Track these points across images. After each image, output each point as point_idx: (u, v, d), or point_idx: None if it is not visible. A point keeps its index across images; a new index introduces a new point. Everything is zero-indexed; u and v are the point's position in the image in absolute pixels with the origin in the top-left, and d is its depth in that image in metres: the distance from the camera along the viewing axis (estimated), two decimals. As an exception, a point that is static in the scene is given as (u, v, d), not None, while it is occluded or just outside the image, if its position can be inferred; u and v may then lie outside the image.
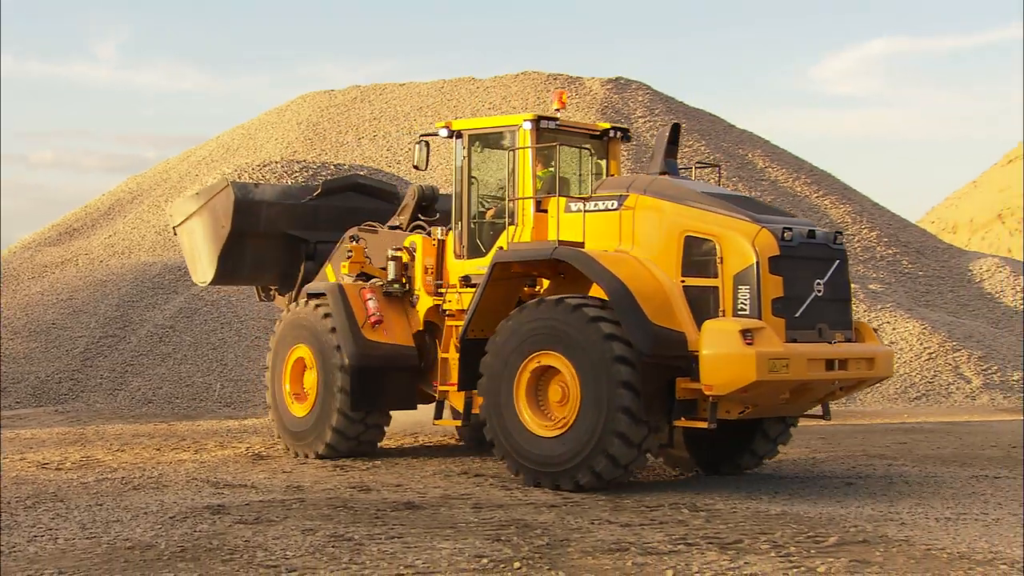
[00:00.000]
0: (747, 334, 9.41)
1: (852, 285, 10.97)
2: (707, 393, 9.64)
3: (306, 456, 12.21)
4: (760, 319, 9.59)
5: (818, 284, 10.06)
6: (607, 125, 11.99)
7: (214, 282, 14.30)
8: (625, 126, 12.30)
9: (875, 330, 10.62)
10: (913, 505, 9.65)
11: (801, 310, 9.90)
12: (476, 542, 7.95)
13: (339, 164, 15.37)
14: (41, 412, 17.76)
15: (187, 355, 19.29)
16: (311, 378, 12.37)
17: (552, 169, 11.33)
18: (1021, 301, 23.75)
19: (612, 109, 27.58)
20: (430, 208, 13.03)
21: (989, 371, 19.62)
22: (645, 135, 26.69)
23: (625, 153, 25.42)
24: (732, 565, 7.34)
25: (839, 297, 10.29)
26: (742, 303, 9.69)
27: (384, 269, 12.22)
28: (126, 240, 24.48)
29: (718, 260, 9.84)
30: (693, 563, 7.37)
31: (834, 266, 10.24)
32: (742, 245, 9.73)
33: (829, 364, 9.98)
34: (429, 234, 12.02)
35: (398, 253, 12.08)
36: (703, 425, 9.90)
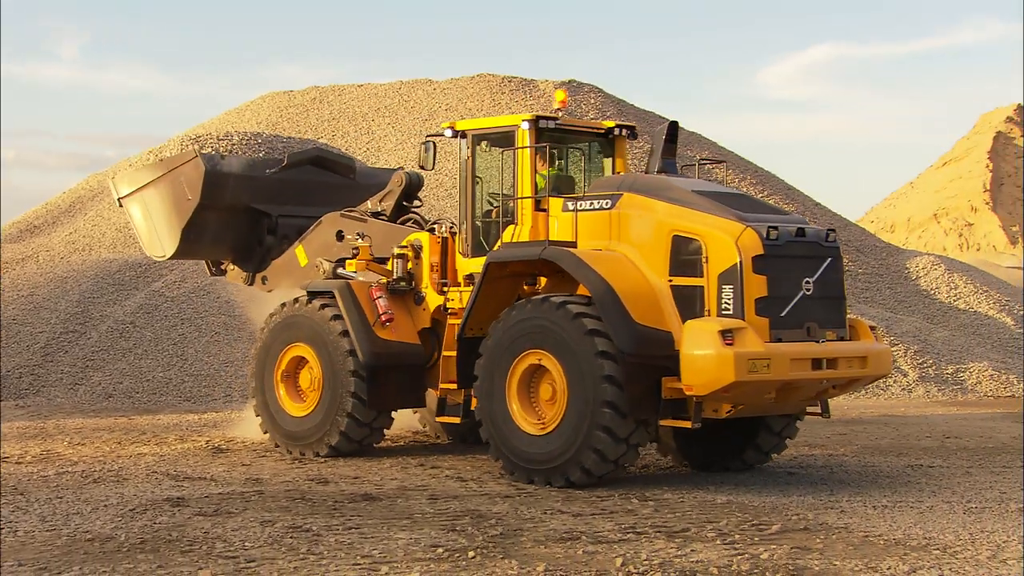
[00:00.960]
0: (727, 334, 9.36)
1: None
2: (688, 393, 9.63)
3: (302, 455, 12.00)
4: (743, 319, 9.53)
5: (807, 283, 9.91)
6: (612, 124, 11.87)
7: (174, 256, 13.97)
8: (632, 124, 12.20)
9: (872, 328, 10.48)
10: (852, 494, 9.97)
11: (787, 309, 9.79)
12: (432, 532, 8.15)
13: (292, 137, 14.85)
14: (2, 407, 17.71)
15: (147, 350, 19.30)
16: (308, 377, 12.18)
17: (555, 169, 11.34)
18: (955, 297, 24.27)
19: (565, 111, 27.81)
20: (413, 195, 13.01)
21: (924, 365, 20.11)
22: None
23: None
24: (679, 553, 7.60)
25: (831, 295, 10.14)
26: (726, 303, 9.62)
27: (382, 263, 12.11)
28: (87, 237, 24.36)
29: (704, 259, 9.77)
30: (642, 551, 7.62)
31: (825, 264, 10.09)
32: (726, 244, 9.66)
33: (816, 363, 9.84)
34: (433, 231, 11.91)
35: (404, 251, 11.97)
36: (687, 425, 9.86)
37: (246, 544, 7.78)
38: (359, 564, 7.26)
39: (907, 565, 7.32)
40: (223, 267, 14.39)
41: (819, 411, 10.69)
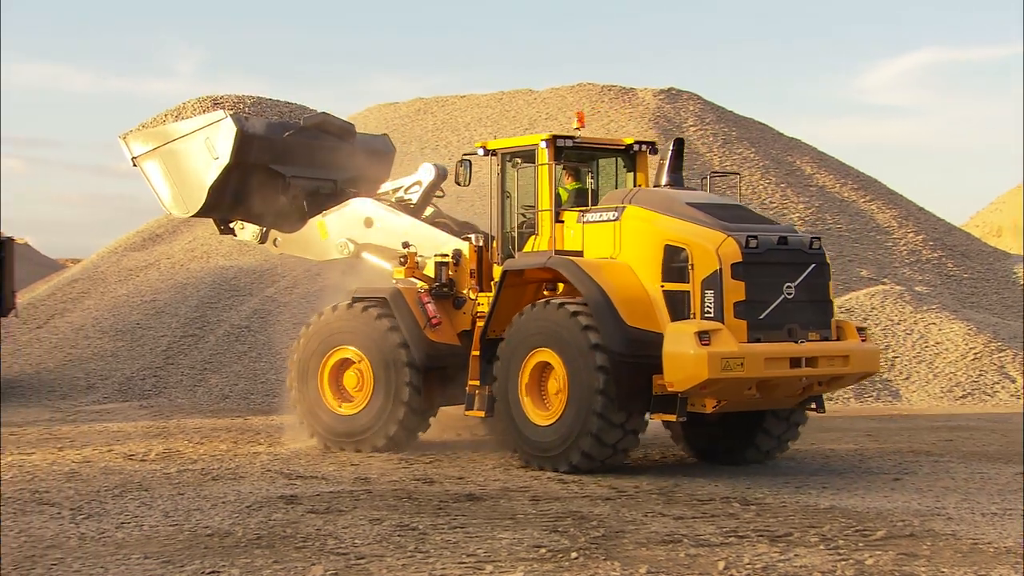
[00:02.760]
0: (703, 335, 10.14)
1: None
2: (670, 389, 10.43)
3: (357, 450, 12.54)
4: (722, 321, 10.31)
5: (788, 287, 10.66)
6: (631, 140, 12.64)
7: (196, 214, 14.35)
8: (653, 139, 12.97)
9: (860, 329, 11.21)
10: (959, 500, 9.79)
11: (767, 312, 10.54)
12: (535, 533, 8.30)
13: (298, 104, 15.27)
14: (127, 407, 18.54)
15: (261, 353, 19.94)
16: (356, 378, 12.78)
17: (579, 183, 12.16)
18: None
19: (664, 119, 27.71)
20: (438, 186, 13.75)
21: (1032, 370, 19.44)
22: (697, 144, 26.81)
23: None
24: (782, 557, 7.60)
25: (816, 299, 10.88)
26: (708, 306, 10.44)
27: (414, 262, 12.81)
28: (205, 245, 25.27)
29: (690, 266, 10.59)
30: (744, 555, 7.64)
31: (809, 270, 10.83)
32: (708, 252, 10.48)
33: (795, 362, 10.55)
34: (472, 240, 12.77)
35: (445, 258, 12.73)
36: (673, 419, 10.72)
37: (356, 541, 8.06)
38: (464, 563, 7.45)
39: (1019, 574, 7.18)
40: (232, 226, 14.81)
41: (814, 408, 11.42)
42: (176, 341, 21.24)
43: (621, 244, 11.19)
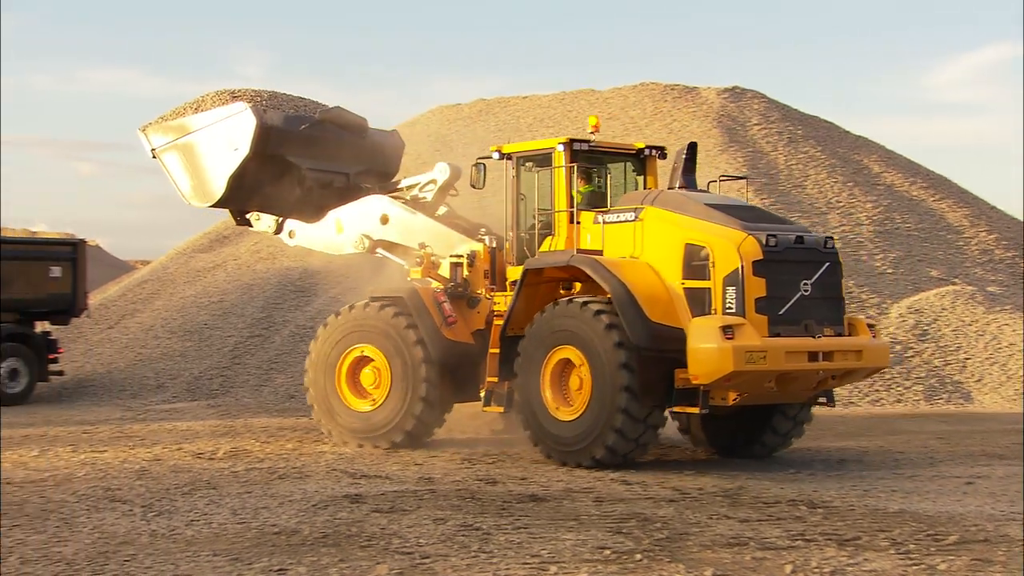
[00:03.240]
0: (727, 330, 10.57)
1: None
2: (694, 382, 10.85)
3: (376, 446, 12.95)
4: (744, 317, 10.74)
5: (805, 284, 11.10)
6: (642, 144, 13.09)
7: (216, 204, 14.53)
8: (662, 144, 13.44)
9: (870, 326, 11.69)
10: (1037, 505, 9.57)
11: (786, 308, 10.99)
12: (598, 534, 8.28)
13: (303, 96, 15.60)
14: (195, 406, 18.87)
15: (326, 353, 20.15)
16: (373, 376, 13.12)
17: (592, 186, 12.58)
18: None
19: (728, 118, 27.43)
20: (452, 185, 14.07)
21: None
22: (762, 143, 26.49)
23: (741, 159, 25.29)
24: (851, 561, 7.49)
25: (829, 295, 11.32)
26: (729, 302, 10.85)
27: (428, 265, 13.22)
28: (271, 247, 25.59)
29: (711, 264, 11.00)
30: (812, 559, 7.54)
31: (823, 268, 11.26)
32: (729, 251, 10.91)
33: (812, 356, 11.00)
34: (486, 241, 13.18)
35: (459, 259, 13.11)
36: (696, 411, 11.12)
37: (420, 541, 8.11)
38: (528, 563, 7.45)
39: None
40: (248, 217, 15.06)
41: (825, 401, 11.89)
42: (243, 341, 21.57)
43: (640, 244, 11.59)
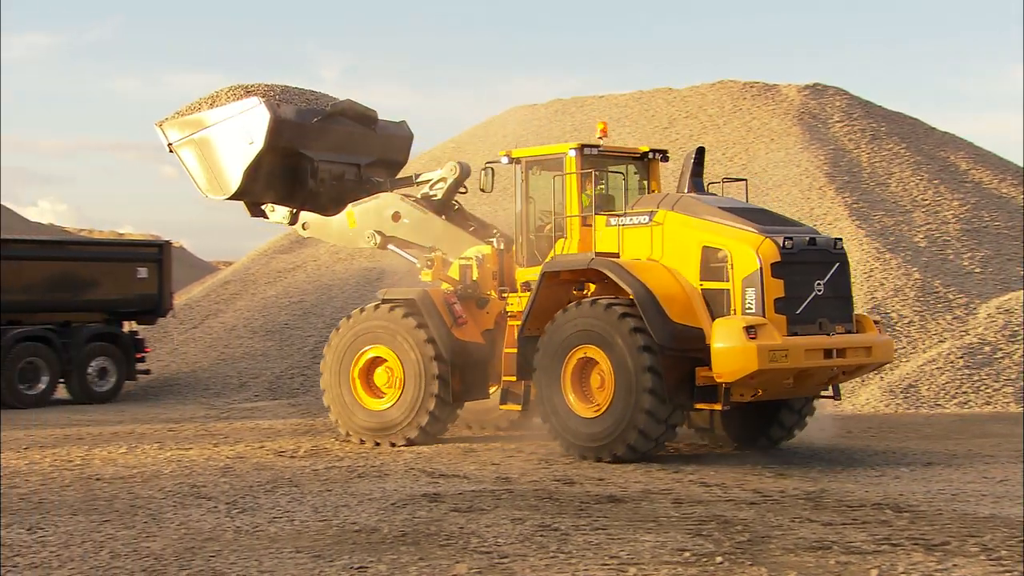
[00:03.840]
0: (751, 330, 11.00)
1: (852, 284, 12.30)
2: (718, 380, 11.25)
3: (392, 444, 13.24)
4: (764, 316, 11.17)
5: (818, 284, 11.59)
6: (646, 148, 13.56)
7: (232, 197, 14.81)
8: (664, 148, 13.85)
9: (876, 322, 12.27)
10: None
11: (802, 307, 11.46)
12: (678, 536, 8.21)
13: (314, 90, 15.97)
14: (276, 405, 19.19)
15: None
16: (386, 375, 13.48)
17: (599, 189, 12.91)
18: None
19: (809, 115, 26.94)
20: (462, 184, 14.39)
21: None
22: (844, 140, 25.98)
23: (822, 157, 24.83)
24: (939, 567, 7.30)
25: (840, 295, 11.85)
26: (749, 303, 11.27)
27: (437, 267, 13.65)
28: (349, 249, 25.95)
29: (729, 267, 11.41)
30: (899, 564, 7.38)
31: (834, 268, 11.77)
32: (748, 253, 11.32)
33: (827, 353, 11.52)
34: (493, 243, 13.58)
35: (468, 262, 13.52)
36: (718, 407, 11.52)
37: (499, 540, 8.12)
38: (607, 564, 7.42)
39: None
40: (263, 208, 15.35)
41: (831, 395, 12.47)
42: (322, 341, 21.63)
43: (656, 246, 11.99)
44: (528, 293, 12.78)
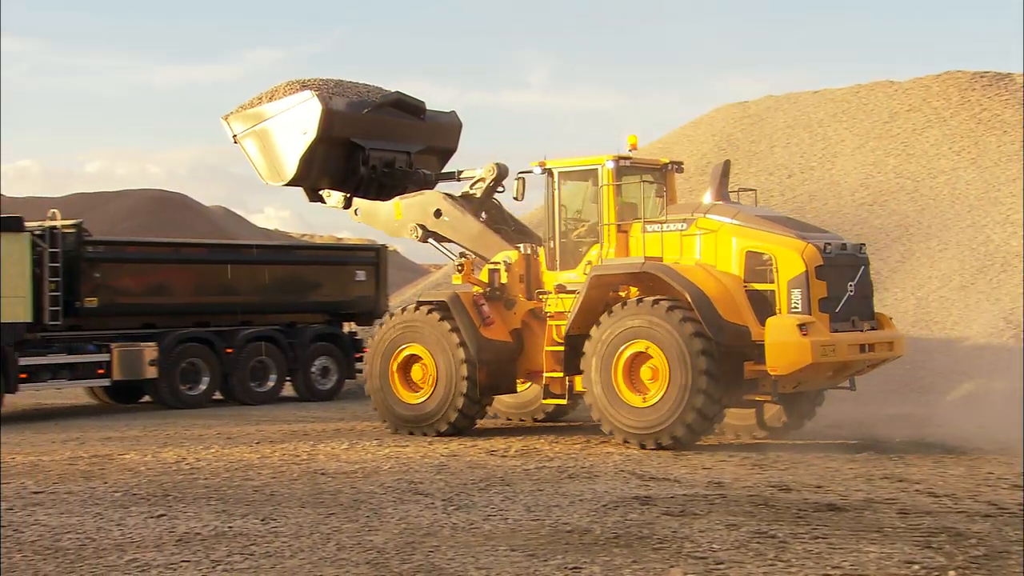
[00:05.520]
0: (803, 327, 12.16)
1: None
2: (772, 374, 12.38)
3: (424, 434, 14.42)
4: (811, 315, 12.34)
5: (850, 285, 12.83)
6: (666, 160, 14.65)
7: (289, 183, 16.07)
8: (680, 160, 15.02)
9: (889, 319, 13.68)
10: None
11: (840, 306, 12.67)
12: (905, 548, 7.83)
13: (367, 84, 16.86)
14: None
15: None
16: (422, 371, 14.62)
17: (624, 198, 13.95)
18: None
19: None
20: (499, 184, 15.45)
21: None
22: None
23: (1000, 151, 23.04)
24: None
25: (865, 295, 13.16)
26: (795, 303, 12.45)
27: (469, 270, 14.68)
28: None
29: (774, 270, 12.57)
30: None
31: (860, 271, 13.06)
32: (793, 257, 12.53)
33: (862, 348, 12.76)
34: (520, 249, 14.65)
35: (497, 266, 14.55)
36: (767, 399, 12.91)
37: (714, 546, 7.97)
38: (829, 575, 7.16)
39: None
40: (320, 194, 16.51)
41: (848, 387, 13.67)
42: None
43: (694, 251, 13.13)
44: (563, 295, 14.02)
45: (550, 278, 14.34)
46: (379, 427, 15.74)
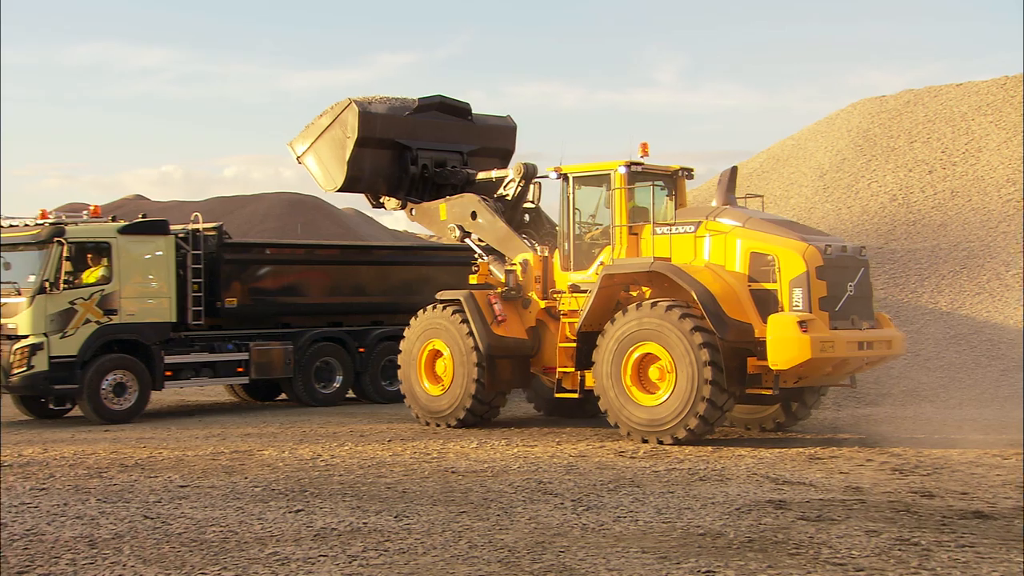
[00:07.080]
0: (803, 324, 12.64)
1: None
2: (773, 369, 12.86)
3: (438, 425, 15.53)
4: (811, 313, 12.81)
5: (850, 286, 13.29)
6: (677, 167, 15.00)
7: (342, 188, 17.19)
8: (690, 166, 15.18)
9: (889, 319, 14.13)
10: None
11: (839, 305, 13.12)
12: (1058, 559, 7.47)
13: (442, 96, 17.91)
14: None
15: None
16: (443, 365, 15.60)
17: (633, 203, 14.51)
18: None
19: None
20: (530, 182, 16.23)
21: None
22: None
23: None
24: None
25: (864, 295, 13.55)
26: (796, 301, 12.96)
27: (494, 254, 15.94)
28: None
29: (777, 270, 13.10)
30: None
31: (860, 272, 13.48)
32: (795, 258, 13.03)
33: (860, 345, 13.12)
34: (536, 250, 15.44)
35: (514, 267, 15.45)
36: (768, 392, 13.29)
37: (853, 552, 7.74)
38: (976, 586, 6.87)
39: None
40: (381, 200, 17.74)
41: (848, 384, 14.32)
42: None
43: (704, 252, 13.66)
44: (576, 294, 14.73)
45: (564, 278, 15.08)
46: (507, 427, 15.84)
